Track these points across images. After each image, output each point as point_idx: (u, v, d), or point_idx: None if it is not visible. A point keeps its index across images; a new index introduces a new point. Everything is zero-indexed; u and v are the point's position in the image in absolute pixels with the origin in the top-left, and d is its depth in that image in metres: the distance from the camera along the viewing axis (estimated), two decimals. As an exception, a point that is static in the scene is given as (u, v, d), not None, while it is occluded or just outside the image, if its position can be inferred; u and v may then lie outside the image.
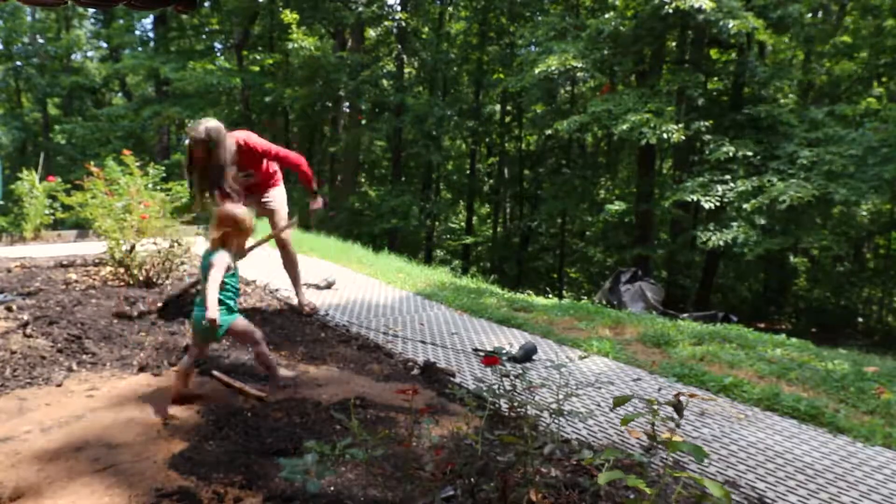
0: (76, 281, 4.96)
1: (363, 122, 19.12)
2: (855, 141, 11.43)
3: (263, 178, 4.52)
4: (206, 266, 2.78)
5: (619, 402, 1.71)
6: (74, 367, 3.20)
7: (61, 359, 3.25)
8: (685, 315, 9.22)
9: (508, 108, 21.85)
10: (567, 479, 2.07)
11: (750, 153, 12.32)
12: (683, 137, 12.21)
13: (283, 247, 4.59)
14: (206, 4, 20.90)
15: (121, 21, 21.91)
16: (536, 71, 13.22)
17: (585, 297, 14.99)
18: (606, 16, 13.77)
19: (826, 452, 2.56)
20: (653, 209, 15.15)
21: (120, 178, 5.52)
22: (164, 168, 6.17)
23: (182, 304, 4.29)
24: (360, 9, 17.29)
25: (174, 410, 2.63)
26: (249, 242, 3.25)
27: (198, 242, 6.13)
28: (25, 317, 3.86)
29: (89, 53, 25.70)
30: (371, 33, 20.90)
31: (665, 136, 12.01)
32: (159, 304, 4.27)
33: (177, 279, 5.14)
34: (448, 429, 2.42)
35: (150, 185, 5.69)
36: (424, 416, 2.02)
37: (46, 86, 21.57)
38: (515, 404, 2.12)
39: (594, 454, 1.75)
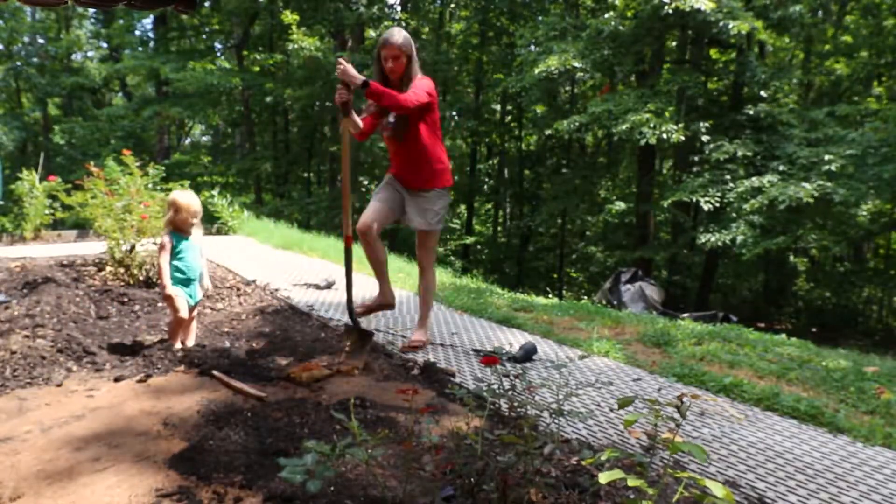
0: (77, 280, 4.96)
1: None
2: (855, 141, 11.44)
3: (423, 159, 3.61)
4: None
5: (623, 403, 1.71)
6: (74, 367, 3.20)
7: (61, 359, 3.25)
8: (685, 315, 9.22)
9: (508, 108, 21.86)
10: (567, 479, 2.06)
11: (750, 153, 12.33)
12: (683, 137, 12.21)
13: (423, 268, 3.86)
14: (206, 4, 20.92)
15: (121, 21, 21.94)
16: (536, 71, 13.23)
17: (585, 297, 15.00)
18: (606, 16, 13.80)
19: (826, 452, 2.56)
20: (653, 209, 15.16)
21: (120, 178, 5.52)
22: (164, 168, 6.17)
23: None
24: (361, 9, 17.30)
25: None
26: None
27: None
28: (25, 317, 3.86)
29: (89, 53, 25.71)
30: (371, 33, 20.91)
31: (665, 136, 12.02)
32: None
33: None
34: (448, 429, 2.42)
35: (150, 185, 5.69)
36: (424, 416, 2.02)
37: (46, 86, 21.58)
38: (515, 404, 2.12)
39: (594, 454, 1.75)
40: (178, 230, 3.43)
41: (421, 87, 3.47)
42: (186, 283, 3.47)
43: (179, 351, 3.40)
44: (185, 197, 3.45)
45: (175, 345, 3.46)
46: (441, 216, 3.75)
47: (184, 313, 3.42)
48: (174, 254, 3.42)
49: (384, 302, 3.84)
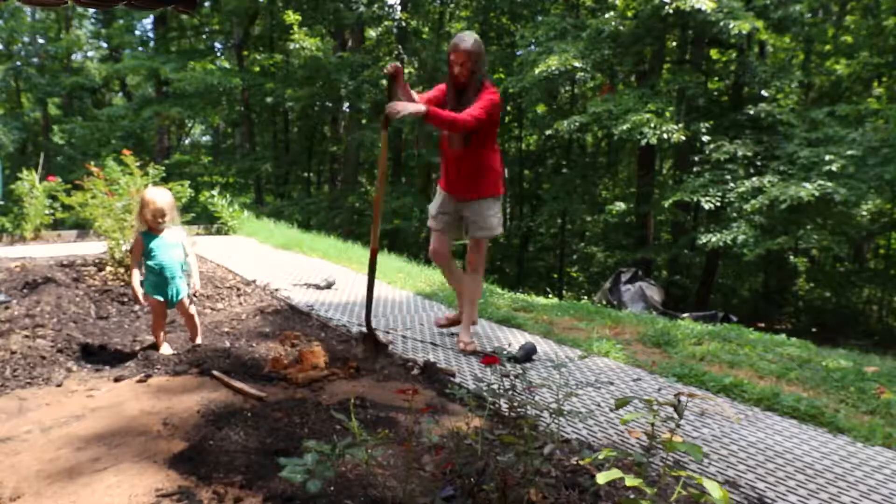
0: (77, 280, 4.96)
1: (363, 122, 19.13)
2: (855, 141, 11.43)
3: (482, 169, 3.69)
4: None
5: (621, 404, 1.71)
6: (74, 367, 3.20)
7: (61, 359, 3.25)
8: (685, 315, 9.21)
9: (509, 108, 21.84)
10: (567, 479, 2.07)
11: (750, 153, 12.33)
12: (684, 138, 12.21)
13: (474, 269, 3.87)
14: (206, 4, 20.91)
15: (121, 21, 21.93)
16: (537, 71, 13.22)
17: (585, 297, 14.99)
18: (606, 16, 13.78)
19: (826, 452, 2.56)
20: (653, 210, 15.15)
21: (120, 178, 5.52)
22: (164, 168, 6.17)
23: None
24: (361, 9, 17.30)
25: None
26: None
27: (197, 242, 6.14)
28: (25, 317, 3.85)
29: (89, 53, 25.72)
30: (371, 33, 20.92)
31: (665, 136, 12.01)
32: None
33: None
34: (448, 429, 2.42)
35: (149, 185, 5.68)
36: (424, 416, 2.02)
37: (46, 86, 21.57)
38: (515, 404, 2.12)
39: (594, 454, 1.75)
40: (150, 228, 3.34)
41: (483, 104, 3.51)
42: (162, 282, 3.36)
43: (179, 353, 3.40)
44: (152, 193, 3.34)
45: (161, 348, 3.43)
46: (500, 220, 3.85)
47: (159, 315, 3.40)
48: (146, 253, 3.34)
49: (459, 319, 4.03)
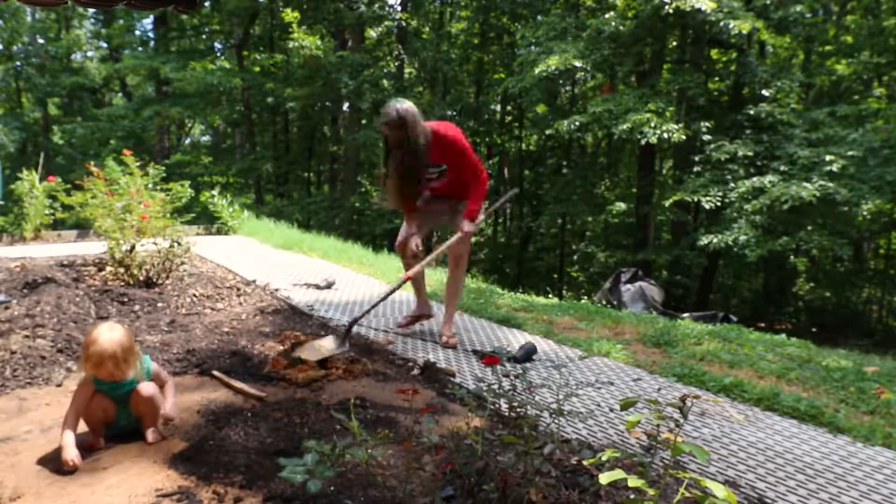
0: (77, 280, 4.96)
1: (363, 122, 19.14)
2: (856, 142, 11.43)
3: (458, 189, 3.94)
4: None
5: (626, 405, 1.71)
6: (74, 367, 3.20)
7: (61, 359, 3.25)
8: (685, 315, 9.22)
9: (509, 108, 21.85)
10: (567, 479, 2.06)
11: (750, 153, 12.32)
12: (684, 137, 12.20)
13: (456, 264, 4.11)
14: (206, 4, 20.90)
15: (121, 21, 21.94)
16: (537, 71, 13.22)
17: (585, 297, 14.99)
18: (606, 16, 13.78)
19: (826, 452, 2.56)
20: (653, 210, 15.14)
21: (120, 178, 5.52)
22: (164, 168, 6.17)
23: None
24: (361, 9, 17.30)
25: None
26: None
27: (197, 242, 6.14)
28: (25, 317, 3.85)
29: (89, 53, 25.72)
30: (371, 33, 20.92)
31: (665, 136, 12.01)
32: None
33: (177, 279, 5.14)
34: (448, 429, 2.42)
35: (150, 185, 5.68)
36: (424, 416, 2.02)
37: (46, 86, 21.58)
38: (515, 404, 2.12)
39: (594, 454, 1.75)
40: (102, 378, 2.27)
41: (470, 155, 3.80)
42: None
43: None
44: (100, 342, 2.21)
45: None
46: (482, 218, 4.17)
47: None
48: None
49: (423, 312, 4.27)
